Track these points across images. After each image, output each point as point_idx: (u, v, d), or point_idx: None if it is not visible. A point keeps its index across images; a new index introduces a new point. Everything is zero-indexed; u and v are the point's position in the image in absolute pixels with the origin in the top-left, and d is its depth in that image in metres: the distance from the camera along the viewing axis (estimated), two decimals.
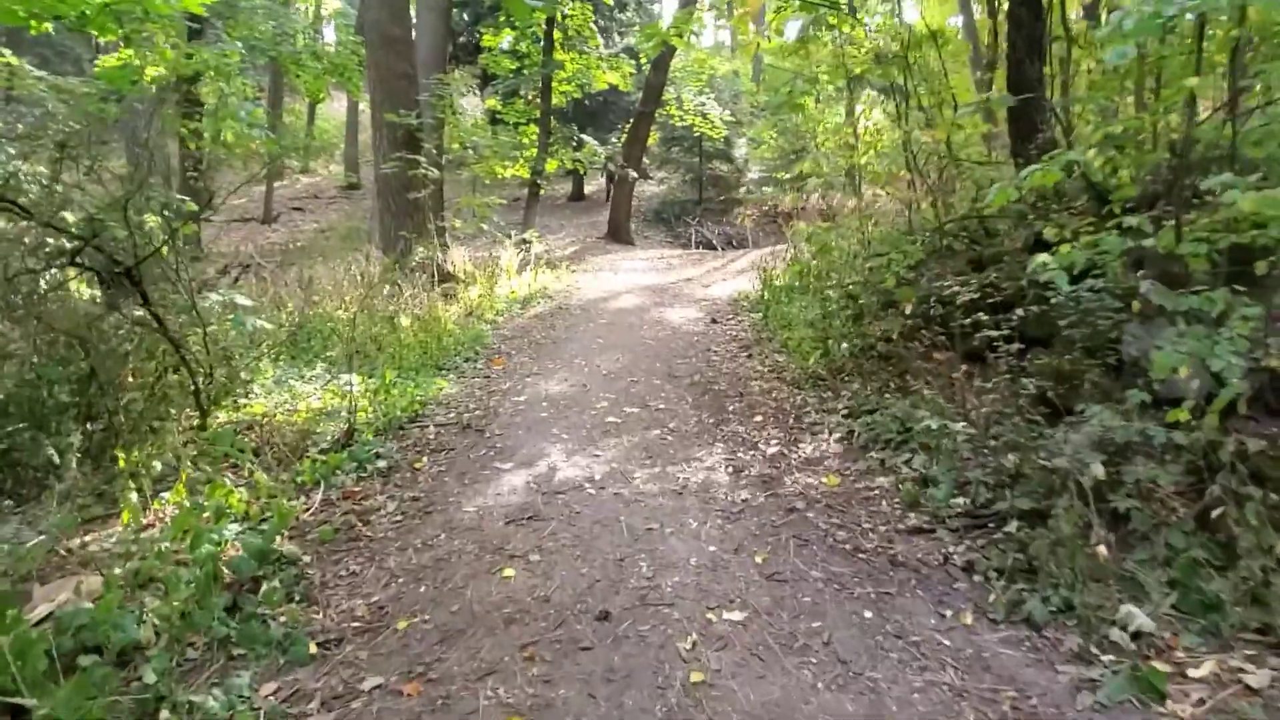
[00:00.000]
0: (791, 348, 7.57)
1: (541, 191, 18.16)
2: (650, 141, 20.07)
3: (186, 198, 6.51)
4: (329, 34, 30.24)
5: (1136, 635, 3.06)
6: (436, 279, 11.56)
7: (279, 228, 23.06)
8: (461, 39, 23.76)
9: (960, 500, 4.22)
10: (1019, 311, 4.77)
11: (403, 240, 11.37)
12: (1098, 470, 3.64)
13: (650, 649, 3.21)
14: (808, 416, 6.00)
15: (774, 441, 5.55)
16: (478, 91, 24.02)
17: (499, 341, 9.05)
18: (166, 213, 6.09)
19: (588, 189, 25.17)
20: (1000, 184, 3.49)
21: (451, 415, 6.44)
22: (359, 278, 10.88)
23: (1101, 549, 3.25)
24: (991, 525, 3.99)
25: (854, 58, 8.04)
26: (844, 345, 6.13)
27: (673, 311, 10.32)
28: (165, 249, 6.11)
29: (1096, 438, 3.77)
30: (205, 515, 4.47)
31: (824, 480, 4.82)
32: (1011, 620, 3.31)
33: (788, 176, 21.94)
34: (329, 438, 5.75)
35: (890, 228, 9.55)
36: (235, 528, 4.28)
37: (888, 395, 5.91)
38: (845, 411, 5.88)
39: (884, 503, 4.46)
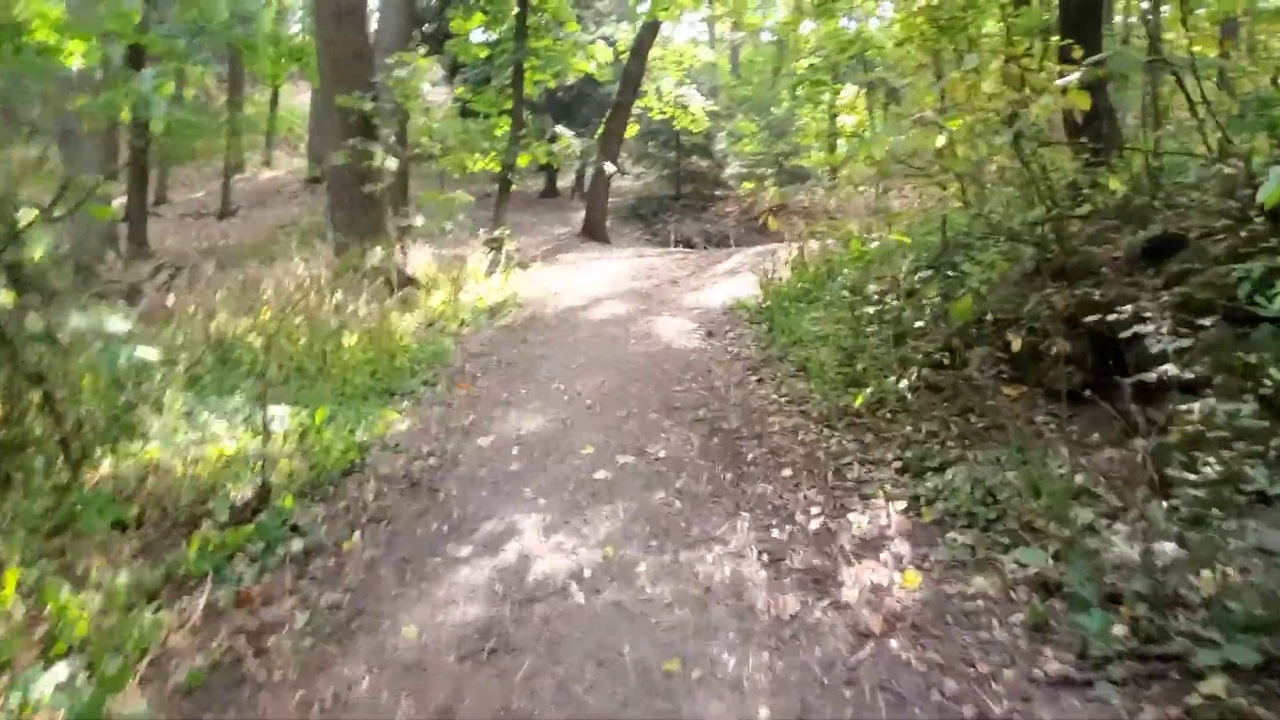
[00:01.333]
0: (813, 372, 6.20)
1: (513, 186, 16.68)
2: (628, 134, 18.65)
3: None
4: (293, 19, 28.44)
5: None
6: (396, 283, 10.09)
7: (236, 223, 21.39)
8: (429, 27, 22.19)
9: (1119, 629, 2.86)
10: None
11: (357, 240, 9.90)
12: None
13: None
14: (850, 470, 4.62)
15: (815, 509, 4.16)
16: (447, 82, 22.48)
17: (463, 359, 7.60)
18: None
19: (561, 184, 23.69)
20: None
21: (399, 463, 4.99)
22: (306, 282, 9.41)
23: None
24: (1177, 676, 2.64)
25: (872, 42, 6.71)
26: (902, 382, 4.75)
27: (661, 322, 8.91)
28: (40, 253, 4.70)
29: None
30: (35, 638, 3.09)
31: (898, 579, 3.44)
32: None
33: (769, 171, 20.66)
34: (235, 501, 4.31)
35: (909, 228, 8.27)
36: (62, 671, 2.85)
37: (950, 443, 4.56)
38: (899, 465, 4.52)
39: (995, 623, 3.08)
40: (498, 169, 16.61)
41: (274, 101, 28.01)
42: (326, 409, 5.53)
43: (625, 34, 18.80)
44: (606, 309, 9.72)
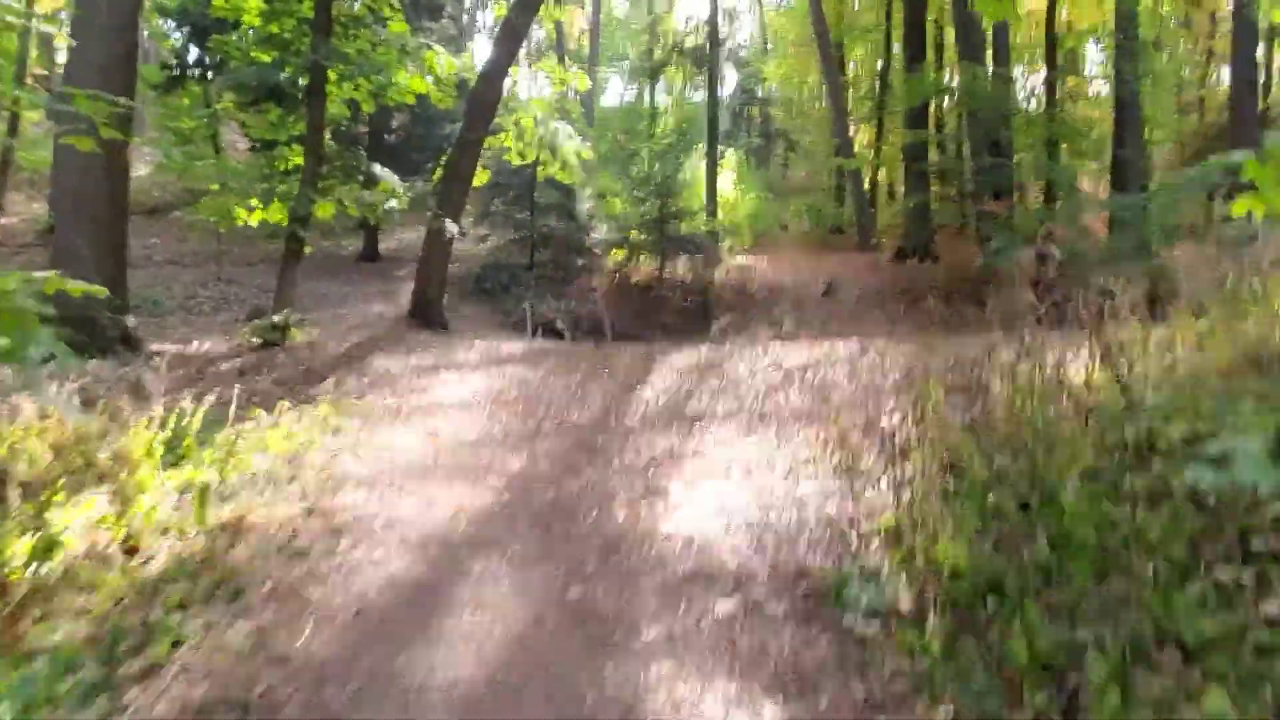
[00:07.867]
0: None
1: (306, 250, 10.12)
2: (477, 183, 12.42)
3: None
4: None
5: None
6: None
7: None
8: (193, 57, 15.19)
9: None
10: None
11: None
12: None
13: None
14: None
15: None
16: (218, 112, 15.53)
17: None
18: None
19: (384, 245, 17.18)
20: None
21: None
22: None
23: None
24: None
25: None
26: None
27: (631, 671, 2.87)
28: None
29: None
30: None
31: None
32: None
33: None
34: None
35: None
36: None
37: None
38: None
39: None
40: (283, 222, 10.09)
41: (12, 129, 19.80)
42: None
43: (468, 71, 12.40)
44: (472, 613, 3.46)
